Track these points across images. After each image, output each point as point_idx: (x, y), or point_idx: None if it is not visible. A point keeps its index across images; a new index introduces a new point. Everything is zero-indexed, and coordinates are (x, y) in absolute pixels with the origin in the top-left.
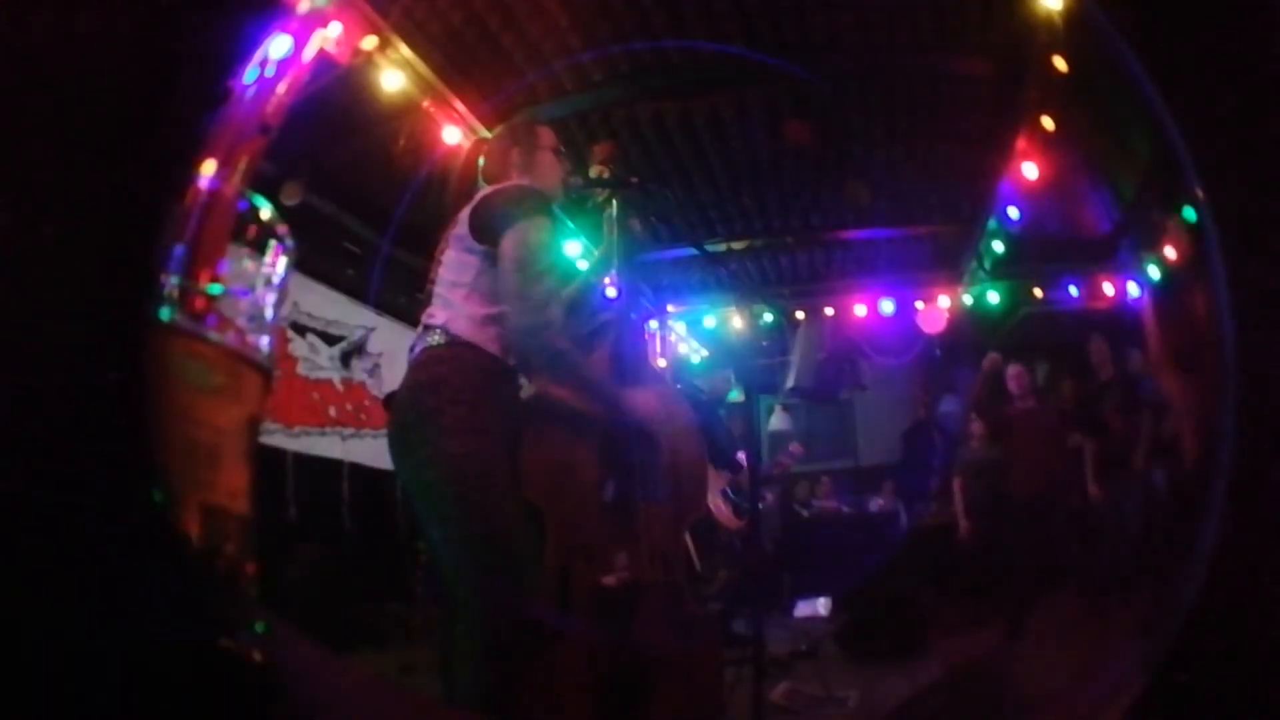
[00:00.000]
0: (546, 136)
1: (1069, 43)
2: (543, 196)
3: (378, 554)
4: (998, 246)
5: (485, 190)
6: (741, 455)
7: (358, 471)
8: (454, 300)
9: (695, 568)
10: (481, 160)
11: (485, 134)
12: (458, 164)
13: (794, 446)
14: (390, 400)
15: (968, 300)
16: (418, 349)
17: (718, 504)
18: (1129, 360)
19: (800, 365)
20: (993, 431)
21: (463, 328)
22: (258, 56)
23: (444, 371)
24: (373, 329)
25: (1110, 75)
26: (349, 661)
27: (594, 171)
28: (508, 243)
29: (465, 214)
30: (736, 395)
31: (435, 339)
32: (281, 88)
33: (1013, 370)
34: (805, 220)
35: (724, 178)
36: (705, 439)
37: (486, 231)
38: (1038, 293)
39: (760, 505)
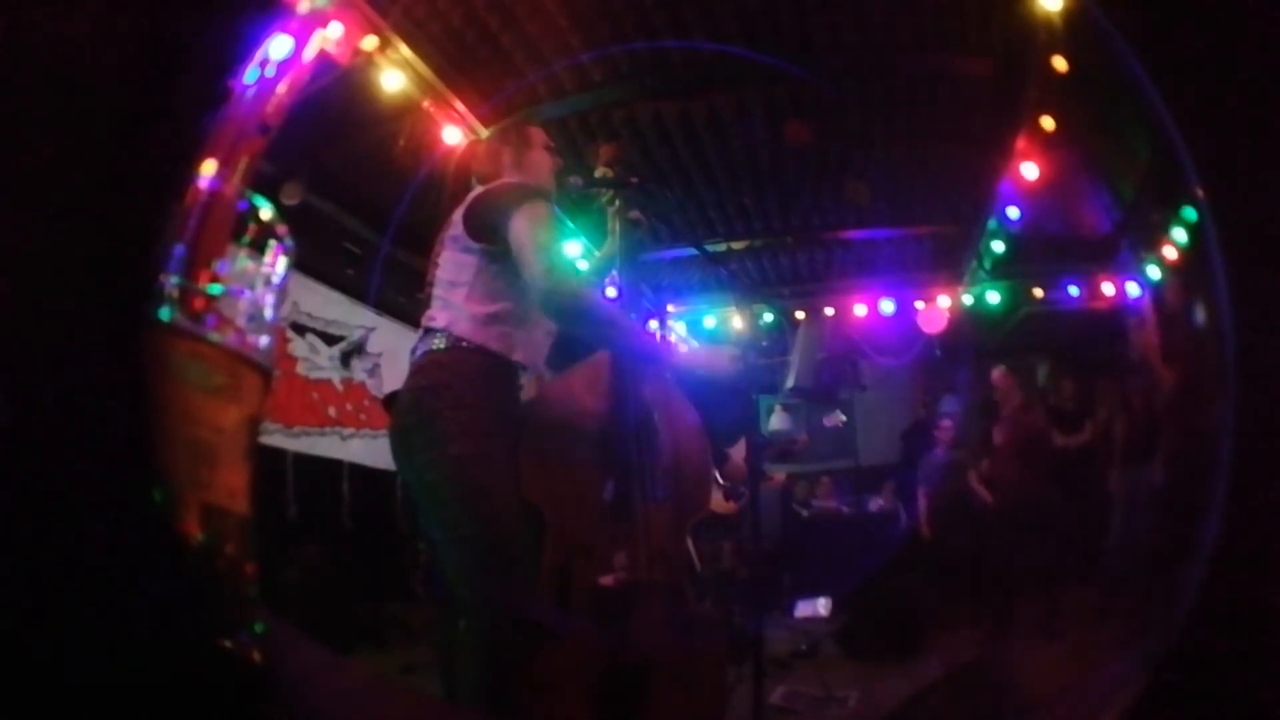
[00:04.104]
0: (538, 135)
1: (1069, 43)
2: (536, 189)
3: (378, 554)
4: (998, 246)
5: (478, 189)
6: (735, 449)
7: (358, 471)
8: (454, 301)
9: (696, 568)
10: (473, 165)
11: (484, 133)
12: (451, 166)
13: (801, 436)
14: (390, 401)
15: (968, 300)
16: (419, 351)
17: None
18: (1128, 359)
19: (800, 365)
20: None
21: (465, 329)
22: (258, 56)
23: (446, 376)
24: (373, 329)
25: (1110, 75)
26: (349, 662)
27: (599, 172)
28: (516, 227)
29: (459, 214)
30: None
31: (438, 342)
32: (281, 88)
33: (995, 375)
34: (805, 220)
35: (724, 178)
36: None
37: (483, 228)
38: (1038, 293)
39: (757, 494)
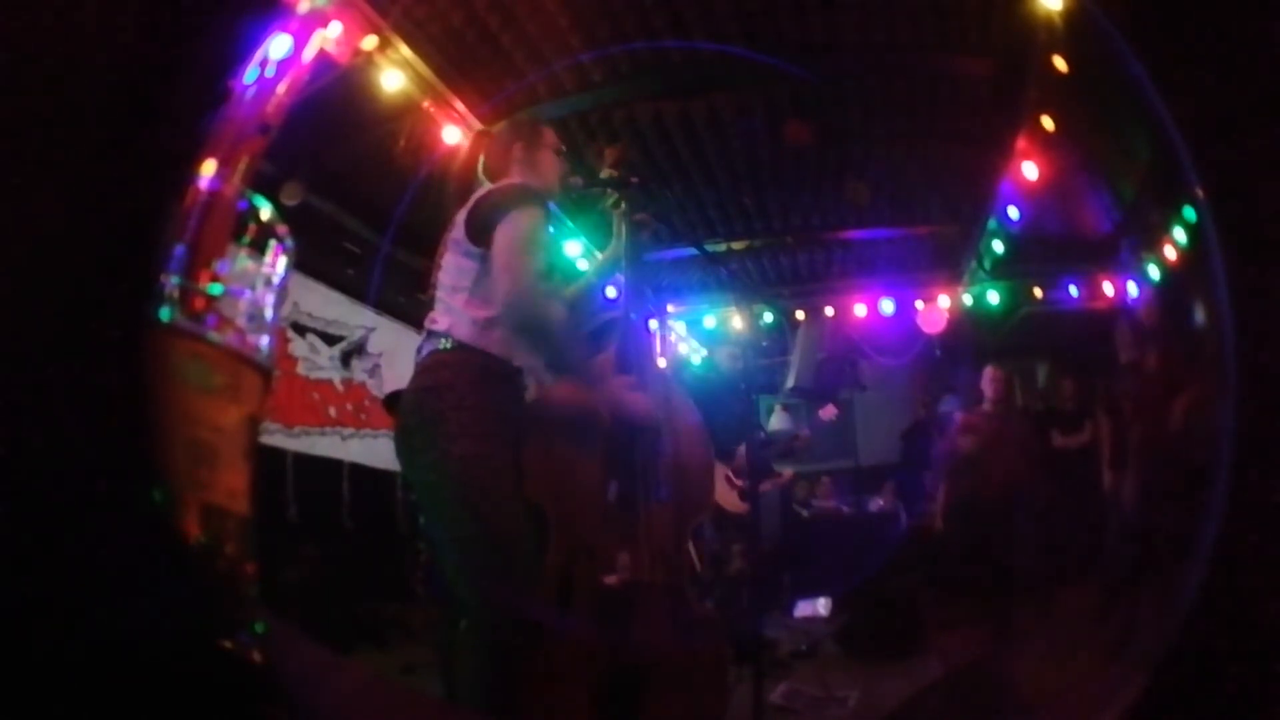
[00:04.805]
0: (549, 136)
1: (1069, 43)
2: (537, 192)
3: (378, 554)
4: (998, 246)
5: (480, 191)
6: (742, 448)
7: (358, 471)
8: (455, 305)
9: (697, 568)
10: (482, 156)
11: (483, 128)
12: (458, 160)
13: (803, 432)
14: (391, 401)
15: (968, 300)
16: (424, 352)
17: (722, 490)
18: (1128, 360)
19: (800, 365)
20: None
21: (466, 333)
22: (258, 56)
23: (449, 377)
24: (373, 329)
25: (1110, 75)
26: (349, 661)
27: (604, 174)
28: (500, 232)
29: (461, 217)
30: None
31: (440, 344)
32: (281, 88)
33: (989, 373)
34: (805, 220)
35: (724, 178)
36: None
37: (482, 233)
38: (1038, 293)
39: (759, 498)
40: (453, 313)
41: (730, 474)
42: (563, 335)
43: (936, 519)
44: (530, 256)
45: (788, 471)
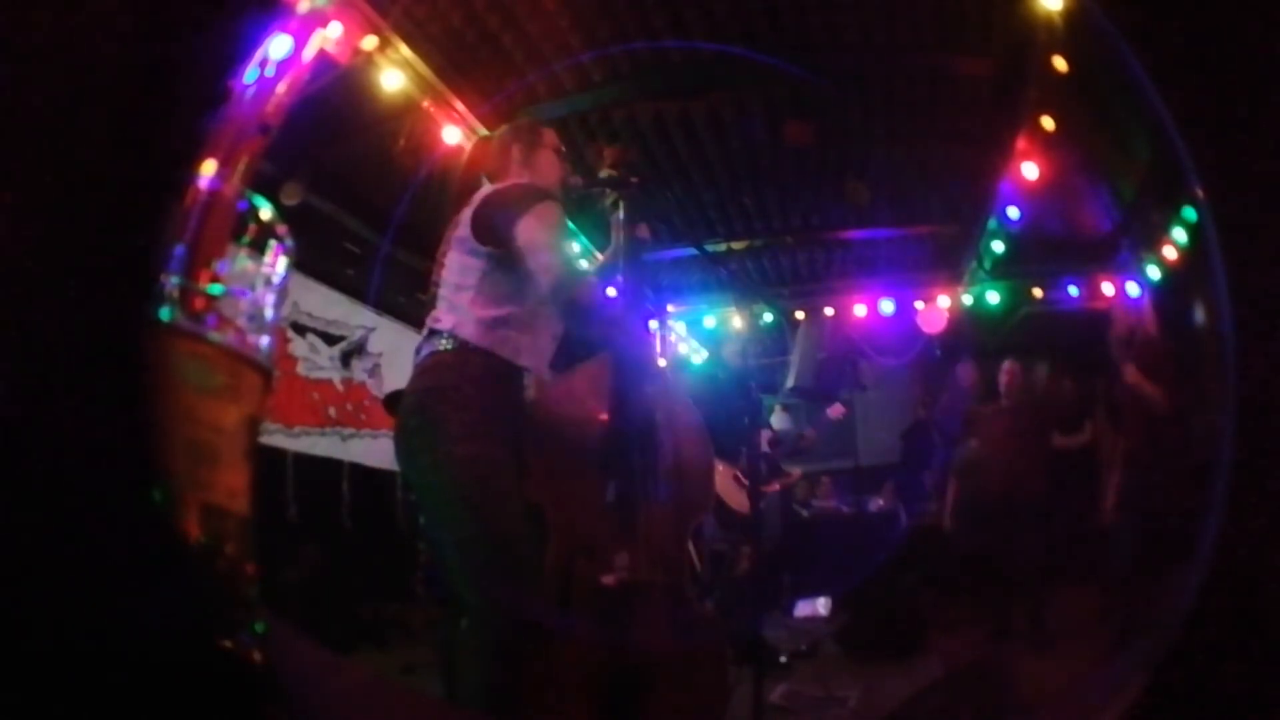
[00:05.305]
0: (548, 136)
1: (1069, 43)
2: (543, 190)
3: (378, 554)
4: (998, 246)
5: (485, 190)
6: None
7: (358, 471)
8: (459, 304)
9: (697, 568)
10: (483, 159)
11: (485, 133)
12: (459, 163)
13: (808, 431)
14: (391, 401)
15: (968, 300)
16: (424, 352)
17: (729, 489)
18: (1128, 360)
19: (800, 365)
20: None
21: (470, 332)
22: (258, 56)
23: (451, 378)
24: (373, 329)
25: (1110, 75)
26: (349, 661)
27: (604, 174)
28: (523, 232)
29: (466, 215)
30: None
31: (443, 344)
32: (281, 88)
33: (1007, 367)
34: (805, 220)
35: (724, 178)
36: (710, 427)
37: (490, 232)
38: (1038, 293)
39: (762, 501)
40: (458, 311)
41: (739, 474)
42: (611, 311)
43: (946, 517)
44: (559, 242)
45: (796, 471)
